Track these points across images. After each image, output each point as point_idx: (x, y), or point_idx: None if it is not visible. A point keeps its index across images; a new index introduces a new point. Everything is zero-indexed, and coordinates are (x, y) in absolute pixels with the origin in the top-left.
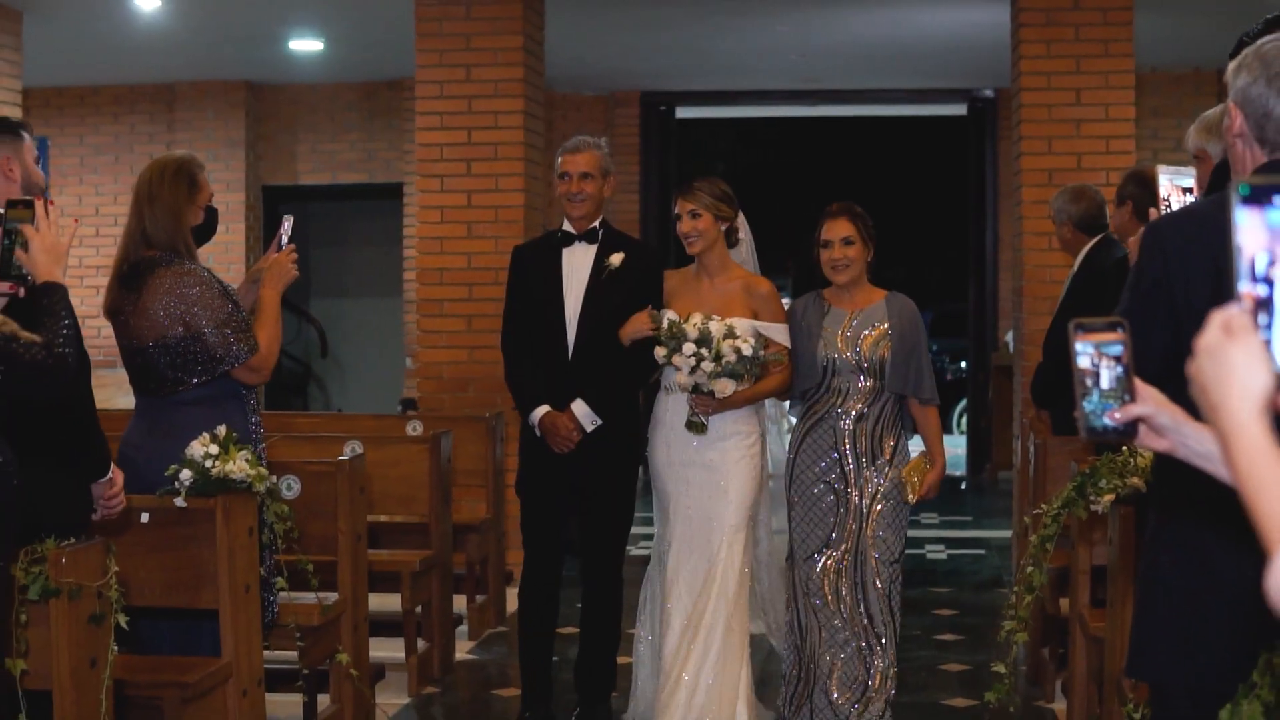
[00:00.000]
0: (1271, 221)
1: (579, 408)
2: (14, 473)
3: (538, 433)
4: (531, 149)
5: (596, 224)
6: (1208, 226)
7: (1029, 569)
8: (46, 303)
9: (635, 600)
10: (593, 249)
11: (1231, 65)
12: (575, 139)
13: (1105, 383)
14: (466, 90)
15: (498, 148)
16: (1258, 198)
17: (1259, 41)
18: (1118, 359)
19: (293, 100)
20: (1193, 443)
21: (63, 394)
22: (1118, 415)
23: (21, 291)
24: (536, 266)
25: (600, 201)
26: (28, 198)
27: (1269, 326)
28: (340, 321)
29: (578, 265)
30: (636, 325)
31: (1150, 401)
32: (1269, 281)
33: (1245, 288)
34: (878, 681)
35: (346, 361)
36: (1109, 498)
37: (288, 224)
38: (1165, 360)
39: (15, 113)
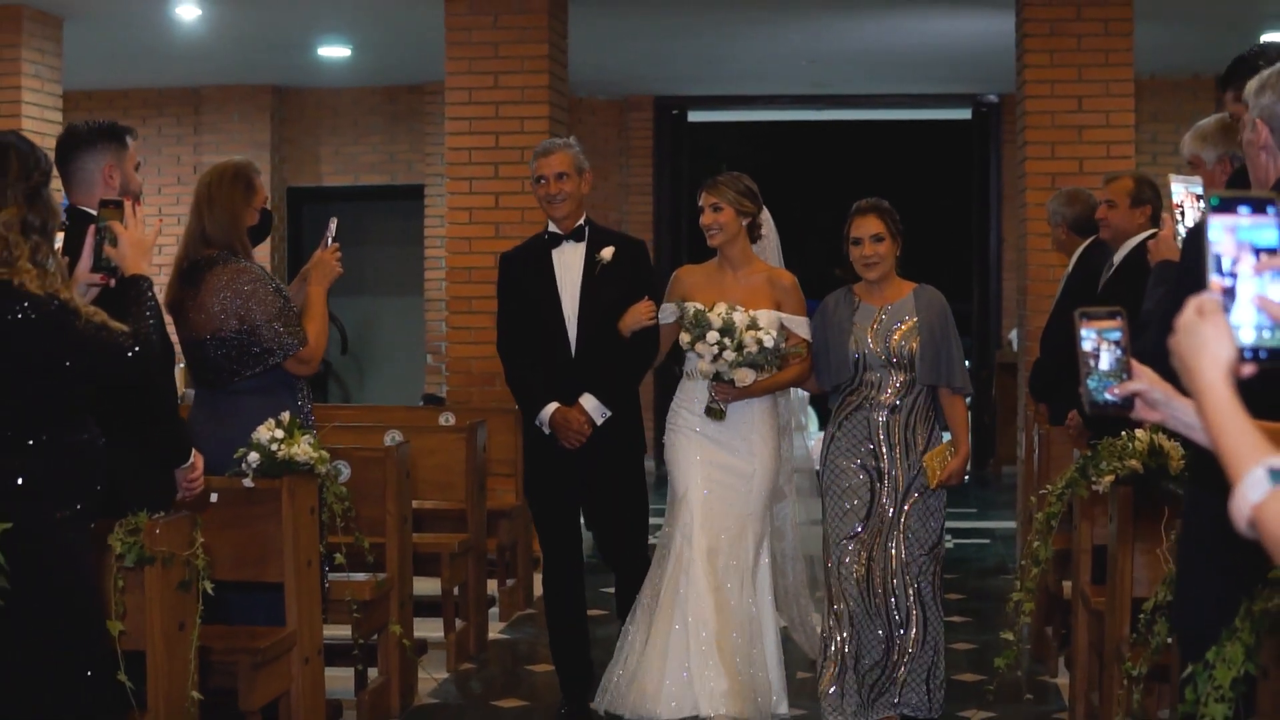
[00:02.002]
0: (1236, 226)
1: (588, 402)
2: (101, 448)
3: (547, 431)
4: None
5: (581, 221)
6: None
7: (1035, 544)
8: (134, 293)
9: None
10: (582, 246)
11: (1253, 85)
12: (545, 142)
13: (1105, 364)
14: (494, 96)
15: (524, 152)
16: (1226, 207)
17: (1278, 66)
18: (1117, 343)
19: (317, 104)
20: (1181, 414)
21: (149, 378)
22: (1117, 391)
23: (111, 282)
24: (528, 270)
25: (580, 199)
26: (117, 198)
27: (1232, 310)
28: (361, 319)
29: (569, 263)
30: (636, 316)
31: (1145, 379)
32: (1233, 275)
33: (1215, 279)
34: (903, 671)
35: (366, 358)
36: (1109, 478)
37: (333, 225)
38: None
39: (55, 115)
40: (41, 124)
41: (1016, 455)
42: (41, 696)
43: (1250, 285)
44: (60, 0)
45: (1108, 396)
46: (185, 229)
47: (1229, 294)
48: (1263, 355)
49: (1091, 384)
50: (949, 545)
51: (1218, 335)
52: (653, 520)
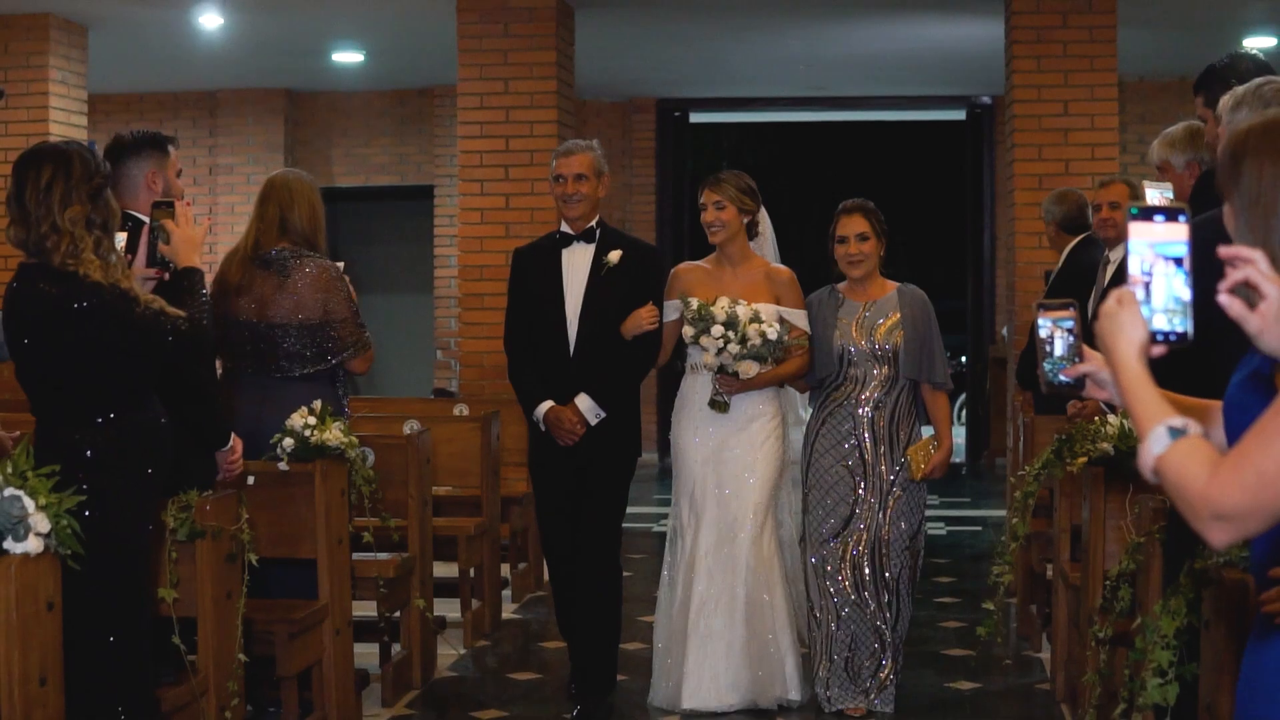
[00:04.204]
0: (1152, 233)
1: (583, 402)
2: (166, 426)
3: (542, 427)
4: None
5: (593, 223)
6: (1222, 234)
7: (1014, 521)
8: (187, 284)
9: (635, 586)
10: (591, 248)
11: (1227, 101)
12: (567, 143)
13: (1060, 349)
14: (504, 101)
15: (533, 154)
16: (1144, 216)
17: (1256, 82)
18: (1070, 330)
19: (329, 107)
20: None
21: (200, 361)
22: (1069, 372)
23: (166, 276)
24: (537, 267)
25: (596, 202)
26: (169, 199)
27: (1147, 301)
28: (370, 316)
29: (577, 264)
30: (637, 320)
31: (1094, 362)
32: (1149, 273)
33: (1134, 275)
34: (889, 659)
35: (375, 353)
36: (1082, 460)
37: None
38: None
39: (80, 120)
40: (67, 128)
41: (1008, 447)
42: (103, 657)
43: (1162, 281)
44: (85, 9)
45: (1061, 378)
46: (257, 219)
47: (1146, 288)
48: (1172, 339)
49: (1047, 366)
50: (941, 532)
51: (1133, 321)
52: (656, 510)
